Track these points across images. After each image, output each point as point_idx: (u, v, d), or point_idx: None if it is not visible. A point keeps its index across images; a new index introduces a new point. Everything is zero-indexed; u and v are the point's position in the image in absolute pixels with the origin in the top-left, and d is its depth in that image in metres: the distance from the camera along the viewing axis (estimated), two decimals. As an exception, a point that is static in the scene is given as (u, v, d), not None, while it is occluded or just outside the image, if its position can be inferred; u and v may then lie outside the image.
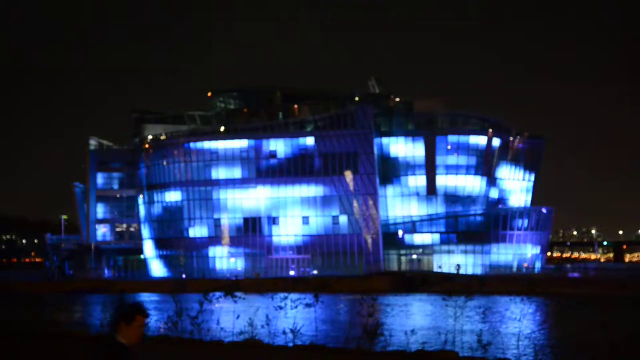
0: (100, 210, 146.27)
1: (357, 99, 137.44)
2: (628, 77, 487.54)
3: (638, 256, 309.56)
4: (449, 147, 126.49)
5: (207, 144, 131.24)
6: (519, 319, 57.86)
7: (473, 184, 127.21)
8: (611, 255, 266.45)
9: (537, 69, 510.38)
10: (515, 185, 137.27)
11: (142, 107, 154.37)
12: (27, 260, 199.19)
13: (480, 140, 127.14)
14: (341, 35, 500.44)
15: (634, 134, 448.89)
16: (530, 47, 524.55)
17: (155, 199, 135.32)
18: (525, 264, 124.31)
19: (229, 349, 27.29)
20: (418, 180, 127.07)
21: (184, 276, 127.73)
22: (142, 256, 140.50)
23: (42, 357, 26.36)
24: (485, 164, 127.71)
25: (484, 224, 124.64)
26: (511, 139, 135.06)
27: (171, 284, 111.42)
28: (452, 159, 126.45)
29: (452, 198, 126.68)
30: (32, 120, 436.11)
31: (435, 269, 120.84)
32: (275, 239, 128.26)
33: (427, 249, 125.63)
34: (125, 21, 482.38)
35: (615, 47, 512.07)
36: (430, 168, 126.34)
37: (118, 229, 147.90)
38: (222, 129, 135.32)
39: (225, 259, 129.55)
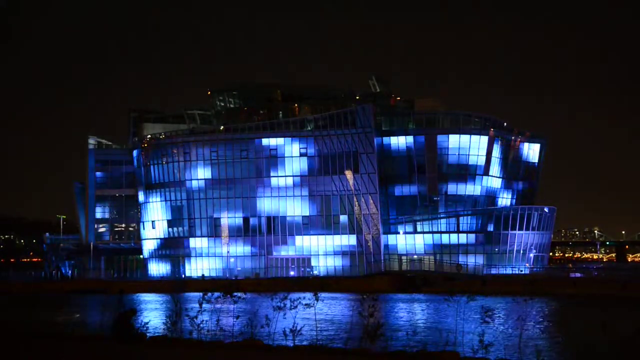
0: (99, 209, 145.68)
1: (357, 98, 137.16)
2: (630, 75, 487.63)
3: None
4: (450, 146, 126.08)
5: (207, 143, 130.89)
6: (520, 320, 57.47)
7: (474, 183, 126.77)
8: (613, 255, 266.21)
9: (539, 69, 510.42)
10: (517, 185, 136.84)
11: (142, 106, 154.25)
12: (25, 260, 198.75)
13: (481, 139, 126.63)
14: (342, 35, 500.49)
15: (636, 132, 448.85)
16: (532, 47, 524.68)
17: (155, 198, 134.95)
18: (527, 264, 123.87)
19: (228, 349, 26.93)
20: (419, 180, 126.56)
21: (183, 276, 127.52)
22: (141, 256, 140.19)
23: (41, 357, 25.99)
24: (486, 164, 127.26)
25: (485, 224, 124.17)
26: (512, 138, 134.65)
27: (171, 284, 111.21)
28: (454, 158, 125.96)
29: (453, 197, 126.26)
30: (31, 119, 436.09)
31: (437, 269, 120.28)
32: (275, 239, 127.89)
33: (428, 249, 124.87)
34: (125, 21, 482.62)
35: (618, 48, 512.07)
36: (431, 167, 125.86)
37: (117, 229, 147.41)
38: (221, 128, 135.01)
39: (225, 259, 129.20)
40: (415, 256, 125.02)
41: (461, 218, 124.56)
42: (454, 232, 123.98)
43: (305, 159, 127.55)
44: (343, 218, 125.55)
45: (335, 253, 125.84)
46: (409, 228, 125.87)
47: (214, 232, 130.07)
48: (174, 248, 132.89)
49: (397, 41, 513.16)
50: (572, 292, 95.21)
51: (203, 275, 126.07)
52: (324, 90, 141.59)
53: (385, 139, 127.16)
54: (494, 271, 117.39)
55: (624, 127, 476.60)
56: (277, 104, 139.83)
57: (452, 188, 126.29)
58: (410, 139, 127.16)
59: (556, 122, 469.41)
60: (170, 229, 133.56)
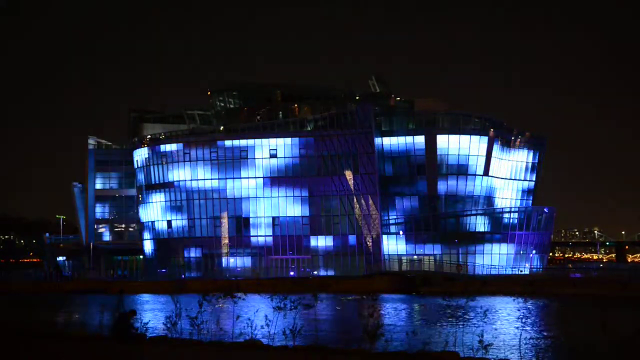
0: (99, 210, 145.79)
1: (357, 98, 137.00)
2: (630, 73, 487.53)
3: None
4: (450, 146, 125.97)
5: (207, 143, 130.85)
6: (520, 320, 57.54)
7: (474, 183, 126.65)
8: (613, 255, 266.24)
9: (538, 68, 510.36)
10: (517, 185, 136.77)
11: (142, 106, 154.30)
12: (25, 260, 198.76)
13: (481, 139, 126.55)
14: (342, 35, 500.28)
15: (636, 133, 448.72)
16: (532, 47, 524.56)
17: (154, 198, 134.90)
18: (527, 265, 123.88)
19: (228, 349, 26.94)
20: (419, 180, 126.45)
21: (183, 276, 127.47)
22: (141, 256, 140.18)
23: (41, 357, 26.00)
24: (486, 164, 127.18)
25: (485, 224, 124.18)
26: (512, 138, 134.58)
27: (170, 285, 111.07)
28: (454, 159, 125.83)
29: (453, 198, 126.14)
30: (31, 119, 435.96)
31: (437, 270, 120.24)
32: (275, 239, 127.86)
33: (428, 250, 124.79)
34: (125, 21, 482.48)
35: (617, 46, 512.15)
36: (431, 167, 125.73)
37: (117, 229, 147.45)
38: (221, 128, 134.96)
39: (225, 259, 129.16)
40: (415, 256, 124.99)
41: (461, 218, 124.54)
42: (453, 232, 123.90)
43: (305, 159, 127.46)
44: (343, 218, 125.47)
45: (335, 253, 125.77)
46: (409, 228, 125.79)
47: (214, 232, 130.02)
48: (173, 248, 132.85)
49: (397, 41, 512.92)
50: (571, 292, 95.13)
51: (203, 275, 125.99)
52: (324, 90, 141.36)
53: (385, 139, 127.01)
54: (494, 271, 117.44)
55: (624, 127, 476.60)
56: (277, 104, 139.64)
57: (452, 188, 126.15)
58: (410, 139, 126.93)
59: (556, 122, 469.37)
60: (170, 229, 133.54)
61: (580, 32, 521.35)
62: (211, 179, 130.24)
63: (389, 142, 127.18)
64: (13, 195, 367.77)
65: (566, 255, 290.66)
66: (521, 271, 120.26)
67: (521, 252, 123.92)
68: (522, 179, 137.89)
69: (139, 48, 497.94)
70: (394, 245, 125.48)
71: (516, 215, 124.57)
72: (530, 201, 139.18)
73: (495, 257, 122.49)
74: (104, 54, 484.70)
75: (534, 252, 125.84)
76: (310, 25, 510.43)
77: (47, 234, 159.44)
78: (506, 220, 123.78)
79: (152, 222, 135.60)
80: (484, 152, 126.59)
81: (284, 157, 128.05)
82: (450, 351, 25.38)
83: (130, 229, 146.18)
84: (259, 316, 28.81)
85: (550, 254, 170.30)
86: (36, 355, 26.39)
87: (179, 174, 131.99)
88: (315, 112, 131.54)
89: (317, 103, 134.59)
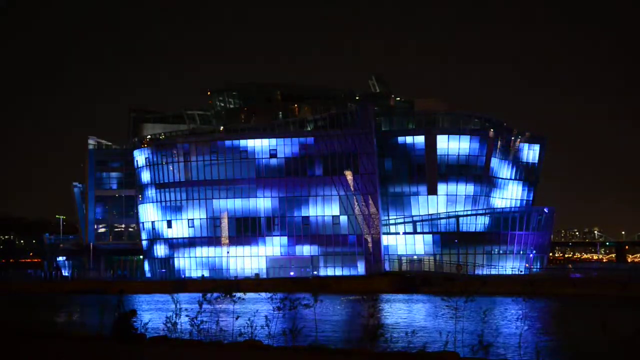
0: (99, 210, 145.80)
1: (357, 98, 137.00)
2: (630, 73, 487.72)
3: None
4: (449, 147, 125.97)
5: (207, 144, 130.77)
6: (520, 320, 57.50)
7: (474, 183, 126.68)
8: (613, 255, 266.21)
9: (538, 68, 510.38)
10: (517, 185, 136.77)
11: (142, 106, 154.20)
12: (25, 260, 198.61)
13: (481, 140, 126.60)
14: (342, 35, 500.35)
15: (636, 133, 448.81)
16: (532, 46, 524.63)
17: (154, 198, 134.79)
18: (527, 264, 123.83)
19: (228, 349, 26.93)
20: (419, 180, 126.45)
21: (183, 276, 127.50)
22: (141, 256, 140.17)
23: (41, 357, 25.99)
24: (486, 164, 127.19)
25: (485, 224, 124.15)
26: (512, 138, 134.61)
27: (170, 285, 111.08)
28: (453, 159, 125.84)
29: (453, 198, 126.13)
30: (31, 119, 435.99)
31: (437, 270, 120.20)
32: (274, 239, 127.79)
33: (428, 250, 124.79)
34: (125, 21, 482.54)
35: (616, 46, 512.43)
36: (431, 167, 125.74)
37: (117, 229, 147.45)
38: (221, 128, 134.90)
39: (225, 259, 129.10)
40: (415, 257, 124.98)
41: (461, 218, 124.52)
42: (453, 232, 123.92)
43: (305, 159, 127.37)
44: (343, 218, 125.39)
45: (335, 253, 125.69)
46: (409, 228, 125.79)
47: (214, 232, 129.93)
48: (173, 248, 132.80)
49: (397, 41, 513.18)
50: (571, 292, 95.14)
51: (203, 275, 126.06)
52: (324, 90, 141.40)
53: (385, 139, 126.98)
54: (494, 271, 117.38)
55: (624, 127, 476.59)
56: (277, 104, 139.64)
57: (451, 188, 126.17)
58: (410, 139, 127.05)
59: (556, 122, 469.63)
60: (169, 229, 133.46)
61: (581, 32, 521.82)
62: (211, 179, 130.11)
63: (389, 142, 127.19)
64: (13, 195, 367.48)
65: (566, 256, 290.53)
66: (521, 271, 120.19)
67: (521, 252, 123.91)
68: (522, 179, 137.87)
69: (139, 48, 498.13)
70: (394, 245, 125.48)
71: (516, 215, 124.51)
72: (530, 201, 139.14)
73: (495, 257, 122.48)
74: (104, 53, 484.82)
75: (533, 252, 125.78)
76: (310, 25, 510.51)
77: (47, 234, 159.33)
78: (506, 221, 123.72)
79: (152, 222, 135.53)
80: (483, 152, 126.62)
81: (284, 157, 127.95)
82: (450, 351, 25.37)
83: (130, 229, 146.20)
84: (259, 316, 28.80)
85: (550, 254, 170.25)
86: (36, 355, 26.38)
87: (179, 174, 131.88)
88: (315, 112, 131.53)
89: (317, 103, 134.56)
